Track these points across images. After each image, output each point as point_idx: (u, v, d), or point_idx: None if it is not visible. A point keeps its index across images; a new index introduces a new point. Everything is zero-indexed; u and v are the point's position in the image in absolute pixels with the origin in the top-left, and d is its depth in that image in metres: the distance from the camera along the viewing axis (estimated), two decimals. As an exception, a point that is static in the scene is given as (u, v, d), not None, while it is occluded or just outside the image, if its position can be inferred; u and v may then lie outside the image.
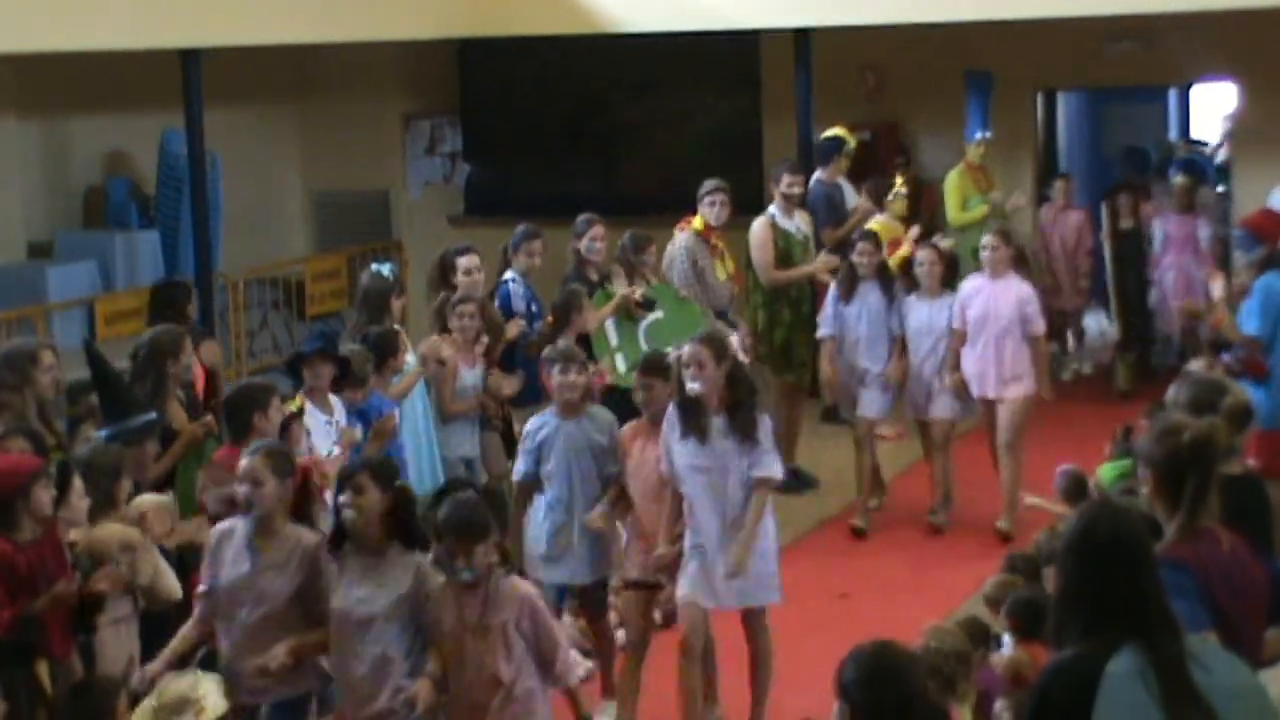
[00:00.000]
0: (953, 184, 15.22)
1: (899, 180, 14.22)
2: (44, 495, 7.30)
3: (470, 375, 10.60)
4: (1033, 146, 16.84)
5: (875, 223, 13.50)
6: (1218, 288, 11.07)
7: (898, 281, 12.00)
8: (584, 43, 15.59)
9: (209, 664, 7.50)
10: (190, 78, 13.22)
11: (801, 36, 14.59)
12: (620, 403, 11.35)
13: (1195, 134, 19.94)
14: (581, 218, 11.88)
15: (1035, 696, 4.60)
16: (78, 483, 7.66)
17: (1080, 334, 16.65)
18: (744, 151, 16.54)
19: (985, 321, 11.50)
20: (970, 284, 11.77)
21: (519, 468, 9.12)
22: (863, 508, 12.06)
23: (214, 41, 13.11)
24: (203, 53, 13.20)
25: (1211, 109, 19.10)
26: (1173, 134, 19.71)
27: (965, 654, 7.05)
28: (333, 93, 17.73)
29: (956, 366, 11.64)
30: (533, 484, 9.05)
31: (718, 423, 8.35)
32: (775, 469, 8.46)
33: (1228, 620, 5.11)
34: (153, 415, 8.77)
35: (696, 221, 12.38)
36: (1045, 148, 17.43)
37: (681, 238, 12.35)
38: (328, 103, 17.83)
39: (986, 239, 11.81)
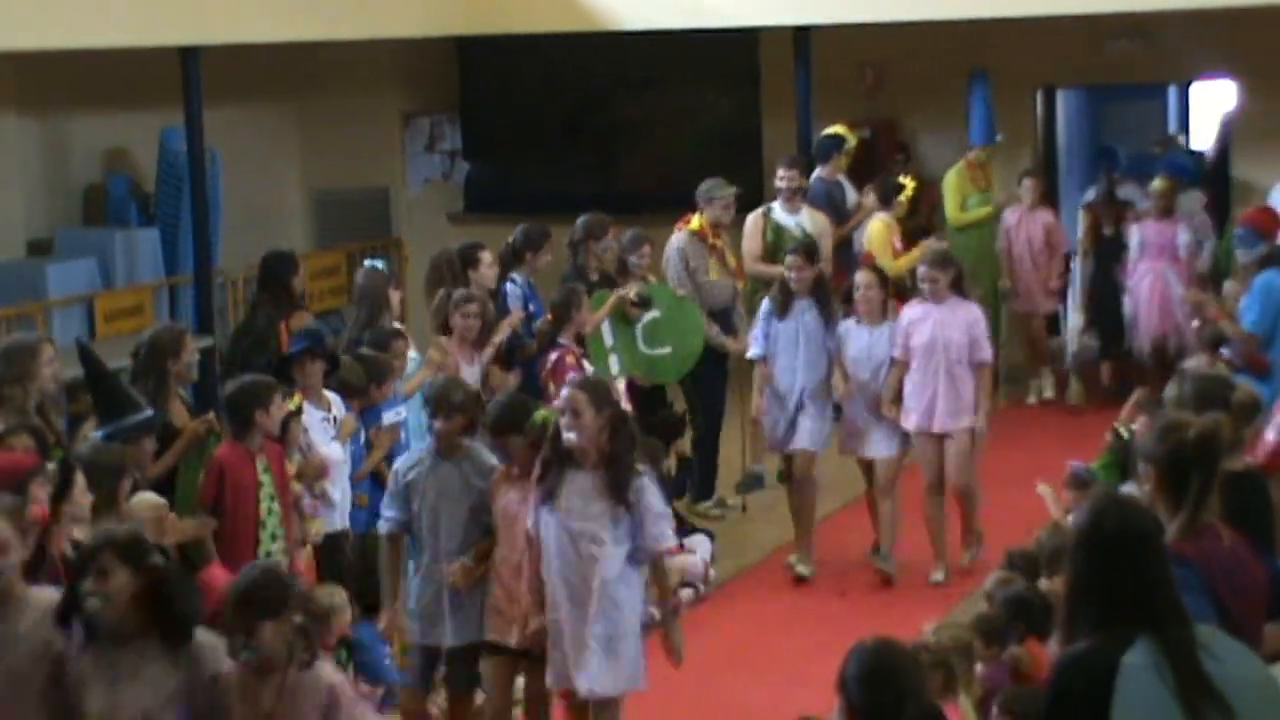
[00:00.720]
0: (952, 183, 15.23)
1: (910, 182, 14.21)
2: (40, 494, 7.28)
3: (470, 373, 10.61)
4: (1032, 144, 16.83)
5: (876, 221, 13.51)
6: (1227, 286, 11.11)
7: (837, 300, 11.16)
8: (583, 40, 15.58)
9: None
10: (190, 75, 13.22)
11: (801, 34, 14.60)
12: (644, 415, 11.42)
13: (1190, 131, 19.84)
14: (593, 220, 11.89)
15: (1052, 690, 4.60)
16: (80, 479, 7.66)
17: (1043, 353, 15.62)
18: (744, 149, 16.54)
19: (934, 349, 10.74)
20: (913, 310, 10.93)
21: (386, 514, 8.25)
22: (804, 550, 11.17)
23: (213, 39, 13.11)
24: (202, 50, 13.19)
25: (1211, 106, 19.07)
26: (1171, 130, 19.65)
27: (966, 646, 7.06)
28: (332, 90, 17.71)
29: (898, 398, 10.86)
30: (401, 533, 8.22)
31: (586, 481, 7.45)
32: (666, 538, 7.68)
33: (1229, 616, 5.12)
34: (149, 412, 8.74)
35: (694, 221, 12.36)
36: (1045, 145, 17.40)
37: (676, 238, 12.34)
38: (327, 100, 17.81)
39: (922, 271, 10.98)
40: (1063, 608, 4.68)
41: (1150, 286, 14.41)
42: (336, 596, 8.56)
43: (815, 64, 14.69)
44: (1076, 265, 15.50)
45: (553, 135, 18.17)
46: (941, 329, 10.73)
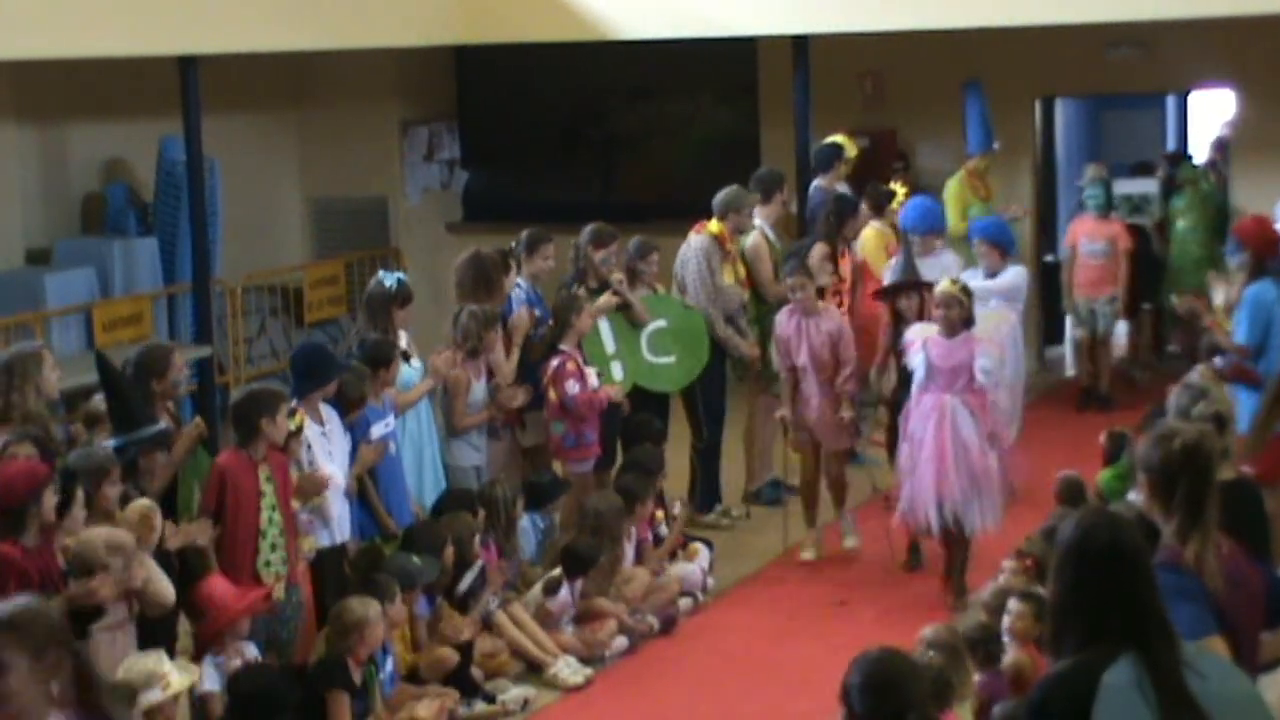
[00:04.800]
0: (953, 192, 15.22)
1: (901, 189, 14.19)
2: (51, 501, 7.34)
3: (479, 389, 10.62)
4: (1031, 154, 16.83)
5: (869, 230, 13.51)
6: (1219, 294, 11.06)
7: None
8: (581, 49, 15.60)
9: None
10: (188, 84, 13.23)
11: (799, 43, 14.59)
12: (621, 417, 11.43)
13: (1179, 145, 19.61)
14: (599, 229, 11.92)
15: (1032, 708, 4.58)
16: (80, 492, 7.68)
17: (841, 493, 11.56)
18: (742, 158, 16.55)
19: None
20: None
21: None
22: None
23: (212, 48, 13.12)
24: (201, 59, 13.21)
25: (1210, 116, 19.08)
26: (1169, 141, 19.56)
27: (956, 648, 7.07)
28: (331, 99, 17.74)
29: None
30: None
31: None
32: None
33: (1229, 623, 5.13)
34: (162, 425, 8.77)
35: (712, 225, 12.37)
36: (1043, 155, 17.41)
37: (697, 240, 12.33)
38: (326, 109, 17.84)
39: None
40: (1050, 622, 4.67)
41: (934, 429, 10.25)
42: (371, 609, 8.52)
43: (814, 73, 14.68)
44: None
45: (551, 144, 18.23)
46: None
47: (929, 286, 10.87)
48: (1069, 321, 15.91)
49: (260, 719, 8.02)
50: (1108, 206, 15.24)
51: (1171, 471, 5.26)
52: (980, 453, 10.17)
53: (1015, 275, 12.73)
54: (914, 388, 10.36)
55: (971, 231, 12.66)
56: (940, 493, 10.16)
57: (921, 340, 10.34)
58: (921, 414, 10.26)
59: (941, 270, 11.74)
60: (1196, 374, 9.72)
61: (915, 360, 10.33)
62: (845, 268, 12.60)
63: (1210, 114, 18.84)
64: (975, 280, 11.93)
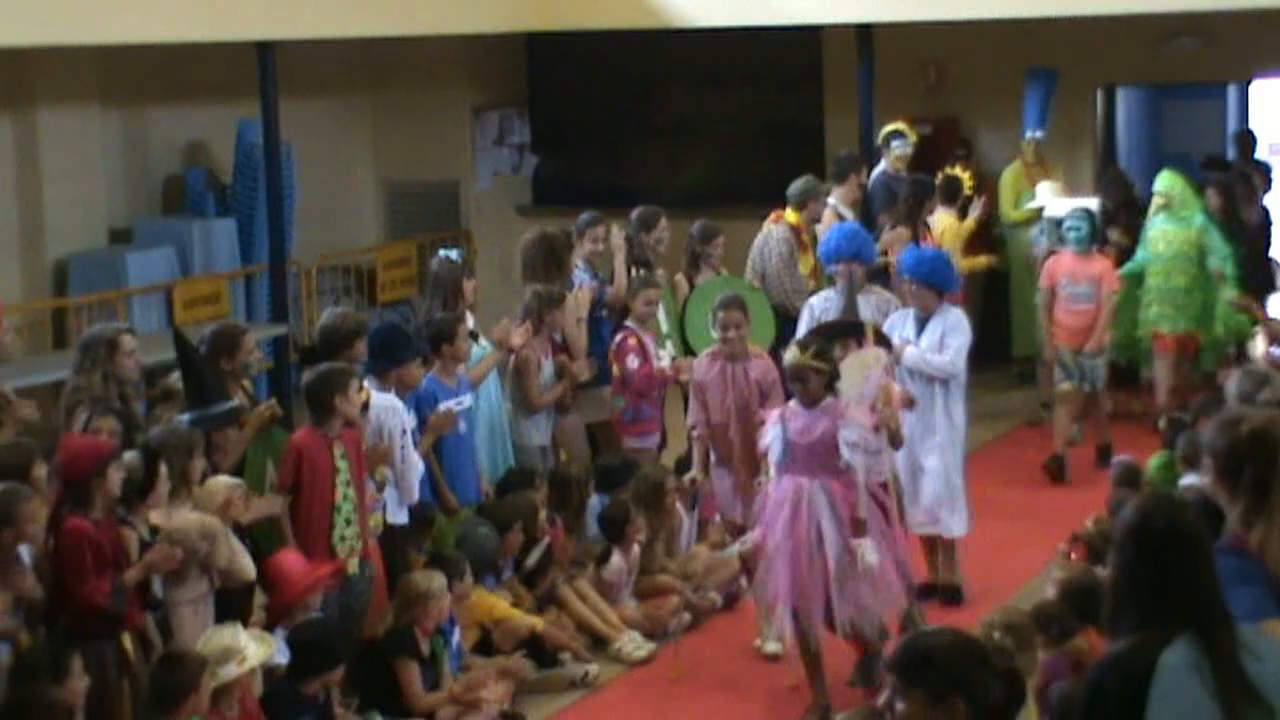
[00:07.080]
0: (1008, 180, 15.28)
1: (966, 176, 14.23)
2: (116, 477, 7.49)
3: (548, 366, 10.81)
4: (1092, 143, 16.90)
5: (945, 218, 13.55)
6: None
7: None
8: (650, 37, 15.75)
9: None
10: (266, 70, 13.39)
11: (864, 31, 14.69)
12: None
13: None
14: (646, 211, 12.10)
15: (1089, 688, 4.56)
16: (163, 468, 7.89)
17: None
18: (806, 145, 16.70)
19: None
20: None
21: None
22: None
23: (289, 34, 13.29)
24: (278, 45, 13.40)
25: (1272, 105, 19.02)
26: (1229, 131, 19.40)
27: (1023, 631, 7.11)
28: (404, 85, 17.90)
29: None
30: None
31: None
32: None
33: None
34: (234, 402, 8.90)
35: (789, 215, 12.53)
36: (1104, 144, 17.46)
37: (778, 231, 12.50)
38: (399, 95, 18.01)
39: None
40: (1108, 603, 4.65)
41: (789, 519, 8.48)
42: (435, 581, 8.66)
43: (878, 61, 14.77)
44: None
45: (619, 130, 18.34)
46: None
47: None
48: (1055, 374, 13.18)
49: (315, 668, 8.06)
50: (1091, 240, 12.97)
51: (1238, 456, 5.21)
52: (844, 551, 8.37)
53: (956, 337, 10.11)
54: (772, 466, 8.62)
55: (900, 268, 10.59)
56: (795, 594, 8.48)
57: (779, 412, 8.64)
58: (777, 499, 8.51)
59: (871, 313, 10.27)
60: (1260, 359, 9.84)
61: (770, 436, 8.57)
62: None
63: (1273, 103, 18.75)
64: (905, 333, 10.14)
